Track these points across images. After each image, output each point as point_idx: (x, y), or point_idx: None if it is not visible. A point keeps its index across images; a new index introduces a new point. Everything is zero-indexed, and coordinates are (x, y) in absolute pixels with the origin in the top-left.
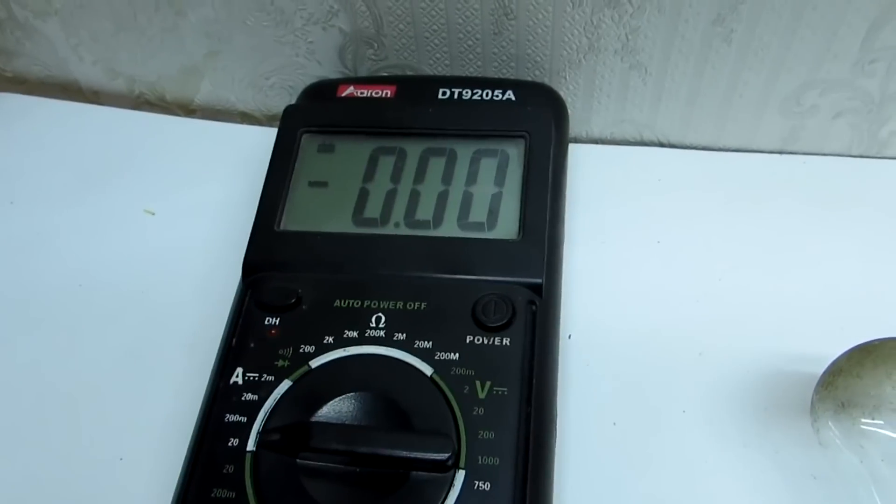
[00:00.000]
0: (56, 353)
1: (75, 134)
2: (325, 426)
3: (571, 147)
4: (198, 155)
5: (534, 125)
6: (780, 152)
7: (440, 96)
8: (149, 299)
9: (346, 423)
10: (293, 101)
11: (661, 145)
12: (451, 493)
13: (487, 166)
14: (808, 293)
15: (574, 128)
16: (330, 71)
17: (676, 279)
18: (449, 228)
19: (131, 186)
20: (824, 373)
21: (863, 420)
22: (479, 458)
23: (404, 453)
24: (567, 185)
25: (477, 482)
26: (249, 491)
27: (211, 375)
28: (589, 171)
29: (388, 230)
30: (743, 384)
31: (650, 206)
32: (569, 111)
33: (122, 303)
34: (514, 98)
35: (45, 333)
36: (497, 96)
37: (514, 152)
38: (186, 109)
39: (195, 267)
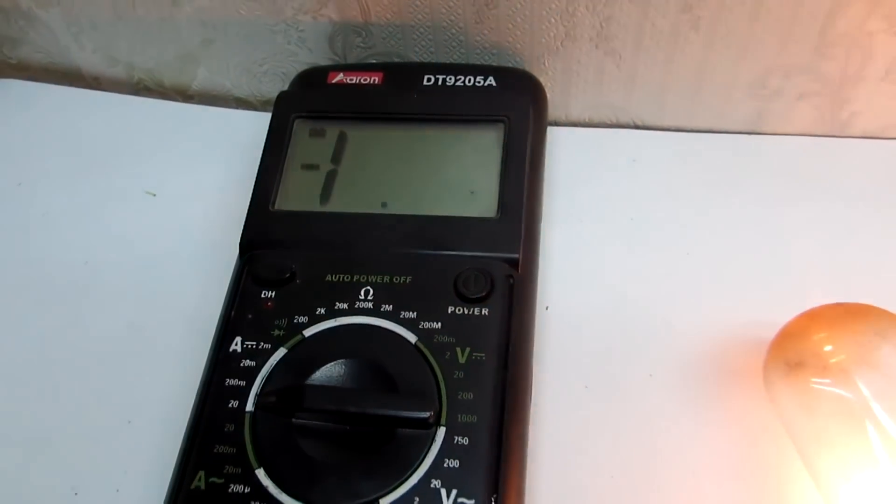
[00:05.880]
0: (65, 325)
1: (78, 118)
2: (318, 388)
3: (551, 130)
4: (195, 138)
5: (513, 110)
6: (748, 133)
7: (425, 82)
8: (151, 275)
9: (337, 386)
10: (285, 88)
11: (637, 127)
12: (433, 447)
13: (469, 149)
14: (767, 265)
15: (553, 111)
16: (320, 58)
17: (648, 254)
18: (433, 207)
19: (132, 169)
20: (775, 337)
21: (813, 380)
22: (459, 416)
23: (390, 412)
24: (546, 165)
25: (456, 437)
26: (249, 447)
27: (212, 344)
28: (568, 153)
29: (376, 209)
30: (705, 349)
31: (625, 185)
32: (547, 96)
33: (125, 279)
34: (494, 84)
35: (54, 308)
36: (479, 82)
37: (494, 136)
38: (184, 95)
39: (194, 245)
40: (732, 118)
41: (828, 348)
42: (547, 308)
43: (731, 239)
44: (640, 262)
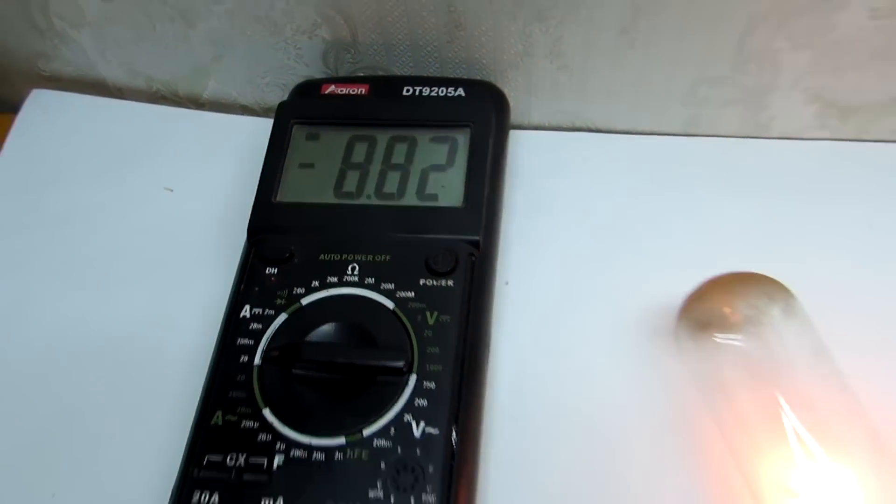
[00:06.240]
0: (97, 303)
1: (104, 124)
2: (313, 344)
3: (515, 133)
4: (207, 141)
5: (477, 117)
6: (684, 135)
7: (405, 93)
8: (171, 259)
9: (328, 342)
10: (285, 98)
11: (589, 130)
12: (405, 390)
13: (440, 150)
14: (692, 245)
15: (516, 117)
16: (315, 72)
17: (594, 239)
18: (409, 198)
19: (152, 168)
20: (684, 302)
21: (716, 335)
22: (427, 366)
23: (372, 362)
24: (510, 164)
25: (425, 382)
26: (257, 392)
27: (225, 312)
28: (530, 153)
29: (362, 200)
30: (634, 314)
31: (578, 180)
32: (510, 104)
33: (148, 262)
34: (463, 94)
35: (87, 288)
36: (450, 93)
37: (462, 139)
38: (196, 103)
39: (207, 232)
40: (669, 122)
41: (727, 309)
42: (507, 283)
43: (663, 225)
44: (587, 245)
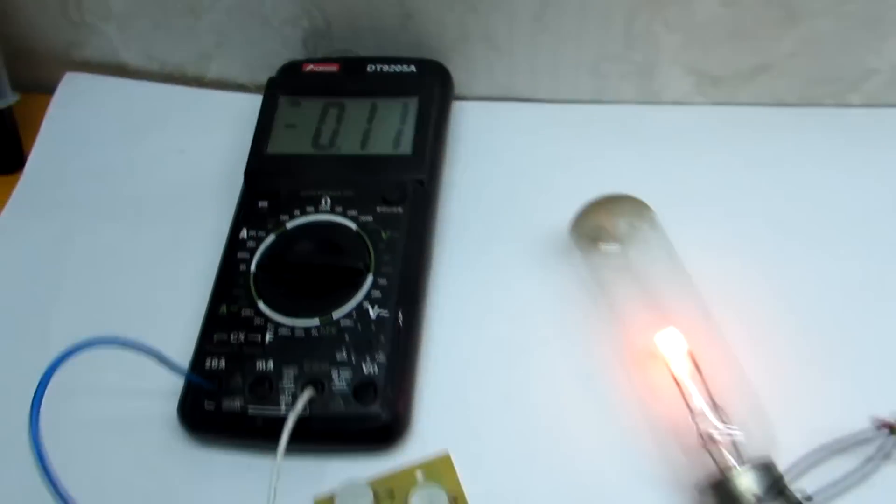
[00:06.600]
0: (129, 236)
1: (126, 101)
2: (295, 253)
3: (459, 103)
4: (210, 112)
5: (425, 88)
6: (594, 102)
7: (368, 70)
8: (185, 202)
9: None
10: (273, 75)
11: (518, 100)
12: (364, 285)
13: (395, 113)
14: (594, 187)
15: (460, 90)
16: (297, 54)
17: (520, 182)
18: (370, 149)
19: (167, 134)
20: (573, 218)
21: (600, 244)
22: (381, 268)
23: (340, 264)
24: (455, 128)
25: (379, 279)
26: (252, 290)
27: (228, 235)
28: (471, 119)
29: (334, 151)
30: (545, 236)
31: (508, 137)
32: (454, 78)
33: (167, 205)
34: (415, 70)
35: (120, 226)
36: (404, 69)
37: (412, 105)
38: (201, 82)
39: (212, 181)
40: (581, 91)
41: (608, 224)
42: (449, 220)
43: (574, 172)
44: (513, 187)
